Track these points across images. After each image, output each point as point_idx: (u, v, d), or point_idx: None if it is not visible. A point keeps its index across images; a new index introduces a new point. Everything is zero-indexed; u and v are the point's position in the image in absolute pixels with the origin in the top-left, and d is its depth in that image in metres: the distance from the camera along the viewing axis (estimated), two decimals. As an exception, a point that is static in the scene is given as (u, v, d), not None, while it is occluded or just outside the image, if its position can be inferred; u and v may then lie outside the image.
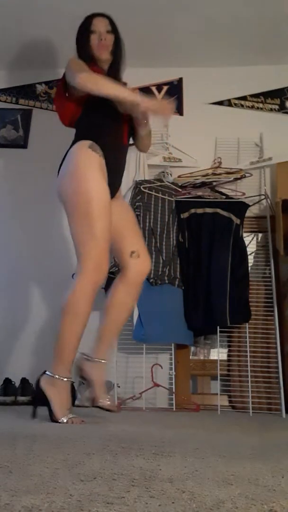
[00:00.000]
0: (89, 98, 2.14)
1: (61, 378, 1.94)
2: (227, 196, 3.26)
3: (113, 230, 2.08)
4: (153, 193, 3.18)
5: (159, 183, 3.23)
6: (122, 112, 2.13)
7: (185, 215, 3.17)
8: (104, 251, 1.98)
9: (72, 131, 3.49)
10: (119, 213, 2.17)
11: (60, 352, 1.96)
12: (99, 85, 2.06)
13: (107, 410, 2.02)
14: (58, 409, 1.91)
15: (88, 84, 2.06)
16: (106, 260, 1.99)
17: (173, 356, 3.07)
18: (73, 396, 2.92)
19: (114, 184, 2.15)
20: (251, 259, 3.26)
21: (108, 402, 2.01)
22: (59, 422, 1.87)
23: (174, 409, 2.90)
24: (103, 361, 2.05)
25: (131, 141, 2.34)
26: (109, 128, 2.16)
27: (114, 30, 2.29)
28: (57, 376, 1.94)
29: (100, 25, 2.26)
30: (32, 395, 2.96)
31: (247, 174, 3.35)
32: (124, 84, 2.30)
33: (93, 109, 2.18)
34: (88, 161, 2.05)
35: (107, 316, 2.11)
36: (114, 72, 2.28)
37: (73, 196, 2.04)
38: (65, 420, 1.89)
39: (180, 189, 3.28)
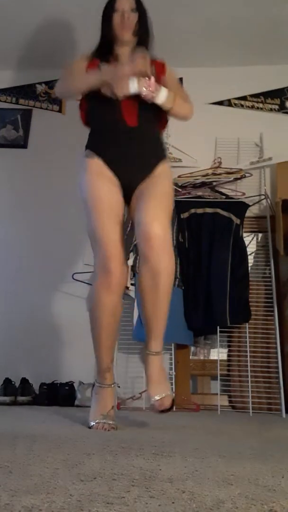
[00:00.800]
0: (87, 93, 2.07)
1: (99, 385, 1.92)
2: (227, 196, 3.26)
3: (133, 213, 2.00)
4: (153, 193, 3.18)
5: (159, 183, 3.22)
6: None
7: (185, 215, 3.16)
8: (108, 250, 1.85)
9: (70, 130, 3.48)
10: (142, 190, 1.99)
11: (96, 360, 1.94)
12: (68, 85, 2.07)
13: (159, 411, 1.83)
14: (91, 414, 1.85)
15: (61, 91, 2.11)
16: (114, 259, 1.85)
17: (173, 356, 3.07)
18: (73, 396, 2.93)
19: (132, 173, 2.01)
20: (251, 259, 3.26)
21: (161, 401, 1.81)
22: (89, 427, 1.81)
23: (174, 409, 2.90)
24: (152, 352, 1.88)
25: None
26: (104, 116, 2.06)
27: (139, 8, 2.12)
28: (96, 384, 1.94)
29: (124, 3, 2.10)
30: (32, 395, 2.97)
31: (247, 174, 3.35)
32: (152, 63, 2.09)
33: (90, 101, 2.09)
34: (83, 169, 2.03)
35: (142, 303, 1.92)
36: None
37: (83, 205, 2.03)
38: (91, 424, 1.81)
39: (180, 189, 3.28)
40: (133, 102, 2.00)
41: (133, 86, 1.95)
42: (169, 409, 1.83)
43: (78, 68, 2.11)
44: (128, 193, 2.03)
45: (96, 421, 1.79)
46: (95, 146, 2.05)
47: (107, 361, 1.91)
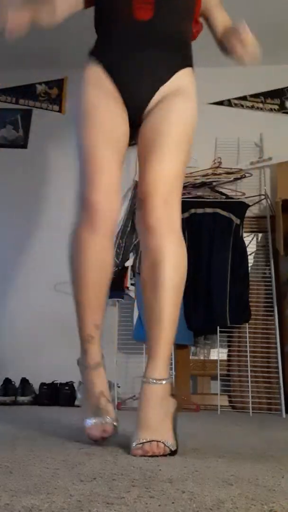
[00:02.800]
0: None
1: (82, 366, 1.41)
2: (227, 196, 3.26)
3: (140, 151, 1.48)
4: (153, 193, 3.18)
5: (159, 183, 3.22)
6: None
7: (185, 215, 3.16)
8: (94, 177, 1.38)
9: (70, 130, 3.45)
10: (151, 127, 1.47)
11: (78, 328, 1.45)
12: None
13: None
14: (83, 409, 1.37)
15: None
16: (100, 188, 1.37)
17: (173, 356, 3.07)
18: (73, 396, 2.92)
19: (141, 84, 1.48)
20: (251, 259, 3.26)
21: (142, 447, 1.17)
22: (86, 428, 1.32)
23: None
24: (145, 379, 1.33)
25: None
26: (110, 14, 1.58)
27: None
28: (80, 366, 1.43)
29: None
30: (32, 395, 2.97)
31: (247, 174, 3.35)
32: None
33: None
34: (81, 81, 1.54)
35: (143, 308, 1.46)
36: None
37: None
38: (87, 424, 1.32)
39: (180, 189, 3.28)
40: None
41: None
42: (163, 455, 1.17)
43: None
44: (137, 113, 1.50)
45: (90, 421, 1.32)
46: (95, 49, 1.57)
47: (90, 326, 1.40)
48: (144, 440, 1.17)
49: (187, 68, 1.59)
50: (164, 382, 1.31)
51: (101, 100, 1.47)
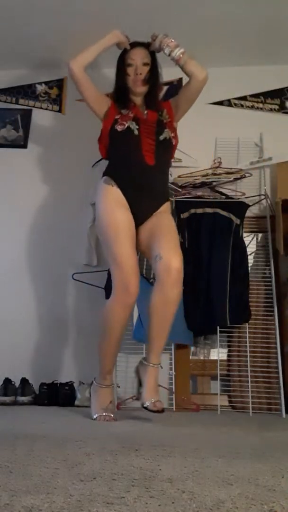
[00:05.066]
0: (111, 130, 2.34)
1: (99, 385, 2.26)
2: (227, 196, 3.26)
3: (146, 244, 2.28)
4: (153, 193, 3.17)
5: (159, 183, 3.22)
6: (138, 135, 2.31)
7: (185, 215, 3.16)
8: (128, 273, 2.14)
9: (70, 130, 3.47)
10: (152, 225, 2.29)
11: (99, 363, 2.26)
12: (81, 54, 2.35)
13: (152, 411, 2.08)
14: (93, 408, 2.22)
15: (73, 62, 2.33)
16: (133, 282, 2.14)
17: (173, 356, 3.07)
18: (73, 396, 2.93)
19: (144, 206, 2.30)
20: (251, 259, 3.25)
21: (154, 404, 2.08)
22: (93, 419, 2.15)
23: (174, 409, 2.90)
24: (151, 365, 2.14)
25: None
26: (125, 155, 2.32)
27: (151, 59, 2.41)
28: (96, 383, 2.28)
29: (137, 58, 2.38)
30: (32, 395, 2.97)
31: (247, 174, 3.35)
32: (160, 104, 2.48)
33: (112, 139, 2.36)
34: (103, 195, 2.28)
35: (148, 321, 2.19)
36: (149, 102, 2.42)
37: (97, 228, 2.37)
38: (94, 417, 2.17)
39: (180, 189, 3.28)
40: (151, 141, 2.32)
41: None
42: (162, 411, 2.10)
43: (98, 93, 2.44)
44: (138, 222, 2.29)
45: (98, 414, 2.15)
46: (115, 176, 2.31)
47: (110, 365, 2.26)
48: (153, 400, 2.07)
49: (168, 201, 2.43)
50: (159, 366, 2.18)
51: (123, 215, 2.24)
